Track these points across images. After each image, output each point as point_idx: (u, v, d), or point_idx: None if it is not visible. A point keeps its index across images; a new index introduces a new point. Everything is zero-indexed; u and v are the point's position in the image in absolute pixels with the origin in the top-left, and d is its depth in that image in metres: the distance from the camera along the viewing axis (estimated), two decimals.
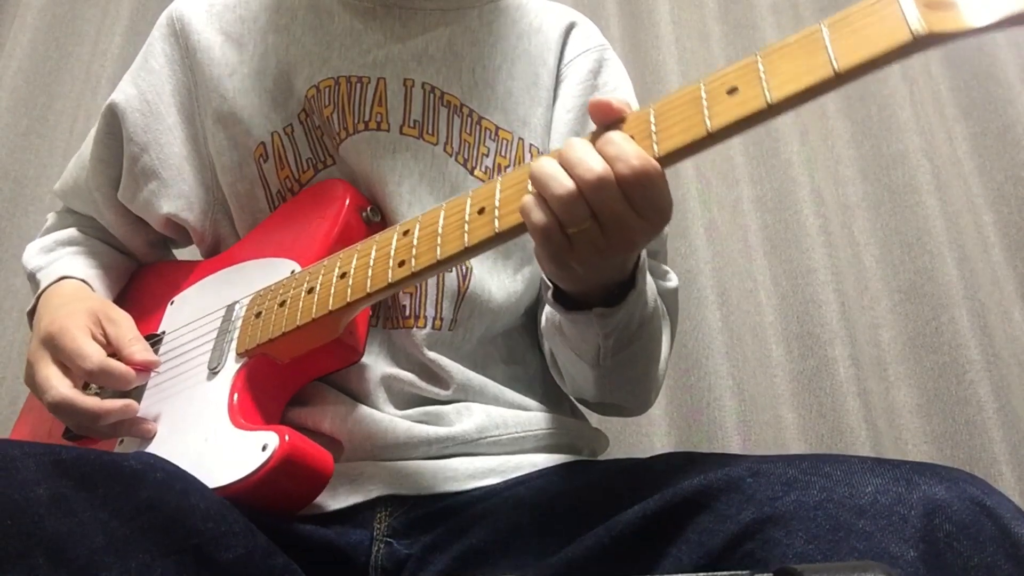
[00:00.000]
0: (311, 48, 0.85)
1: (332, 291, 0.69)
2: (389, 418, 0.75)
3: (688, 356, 1.34)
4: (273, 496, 0.65)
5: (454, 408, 0.78)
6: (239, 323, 0.76)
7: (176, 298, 0.87)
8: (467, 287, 0.80)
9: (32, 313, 0.87)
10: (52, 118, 1.52)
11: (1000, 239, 1.41)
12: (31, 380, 0.78)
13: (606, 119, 0.60)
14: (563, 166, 0.58)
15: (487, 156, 0.84)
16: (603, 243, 0.58)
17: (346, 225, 0.78)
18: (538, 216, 0.58)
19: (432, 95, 0.83)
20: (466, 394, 0.79)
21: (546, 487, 0.74)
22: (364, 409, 0.76)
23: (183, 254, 1.03)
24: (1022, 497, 1.22)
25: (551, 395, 0.87)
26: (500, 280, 0.83)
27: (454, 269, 0.80)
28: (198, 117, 0.87)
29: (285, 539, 0.64)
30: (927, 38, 0.47)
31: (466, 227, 0.62)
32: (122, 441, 0.75)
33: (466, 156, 0.83)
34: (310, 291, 0.71)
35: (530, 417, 0.81)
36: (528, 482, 0.75)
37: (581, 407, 0.91)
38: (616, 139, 0.57)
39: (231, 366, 0.73)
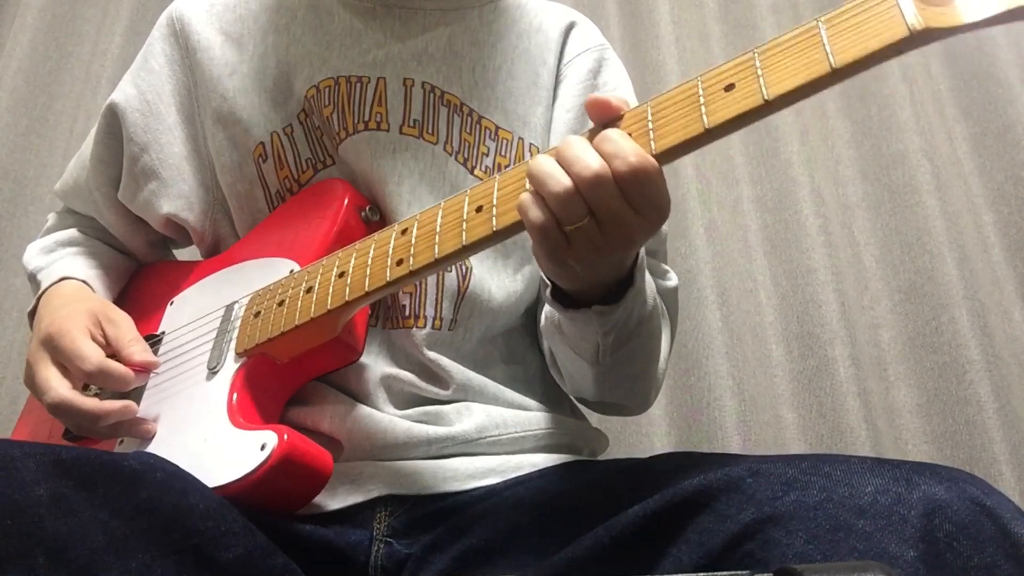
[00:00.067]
0: (311, 48, 0.85)
1: (331, 290, 0.69)
2: (389, 418, 0.75)
3: (688, 356, 1.34)
4: (272, 495, 0.65)
5: (454, 408, 0.78)
6: (238, 323, 0.76)
7: (176, 298, 0.87)
8: (467, 287, 0.80)
9: (32, 314, 0.87)
10: (52, 118, 1.52)
11: (1000, 239, 1.41)
12: (31, 381, 0.78)
13: (603, 117, 0.60)
14: (560, 164, 0.58)
15: (487, 155, 0.84)
16: (601, 241, 0.58)
17: (345, 224, 0.78)
18: (535, 214, 0.58)
19: (432, 94, 0.83)
20: (466, 394, 0.79)
21: (546, 487, 0.74)
22: (364, 409, 0.76)
23: (183, 254, 1.03)
24: (1022, 497, 1.22)
25: (551, 395, 0.87)
26: (500, 280, 0.83)
27: (454, 269, 0.80)
28: (198, 117, 0.87)
29: (285, 539, 0.64)
30: (924, 34, 0.47)
31: (464, 225, 0.62)
32: (122, 441, 0.75)
33: (466, 155, 0.83)
34: (309, 290, 0.71)
35: (530, 417, 0.81)
36: (528, 482, 0.75)
37: (581, 407, 0.91)
38: (613, 136, 0.57)
39: (230, 366, 0.73)
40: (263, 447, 0.64)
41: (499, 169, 0.83)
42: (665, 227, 0.81)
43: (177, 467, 0.61)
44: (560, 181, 0.57)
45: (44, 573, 0.49)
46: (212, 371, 0.74)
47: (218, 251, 0.90)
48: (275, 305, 0.73)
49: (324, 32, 0.85)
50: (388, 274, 0.66)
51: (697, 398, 1.31)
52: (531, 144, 0.85)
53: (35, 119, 1.51)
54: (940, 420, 1.30)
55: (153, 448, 0.72)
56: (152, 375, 0.78)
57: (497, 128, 0.84)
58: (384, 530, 0.72)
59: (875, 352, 1.36)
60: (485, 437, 0.77)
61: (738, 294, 1.38)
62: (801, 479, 0.55)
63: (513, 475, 0.76)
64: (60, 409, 0.73)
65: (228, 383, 0.72)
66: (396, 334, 0.79)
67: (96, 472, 0.55)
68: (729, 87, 0.53)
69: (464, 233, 0.62)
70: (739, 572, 0.47)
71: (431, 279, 0.79)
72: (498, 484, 0.75)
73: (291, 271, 0.76)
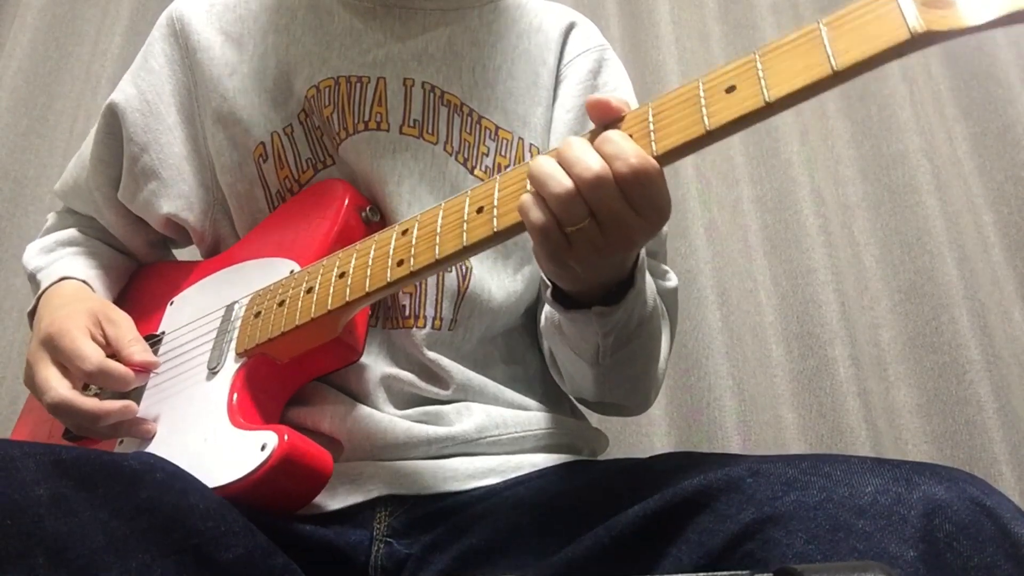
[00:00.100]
0: (311, 48, 0.85)
1: (331, 291, 0.69)
2: (389, 418, 0.75)
3: (688, 356, 1.34)
4: (272, 496, 0.65)
5: (454, 408, 0.78)
6: (238, 323, 0.76)
7: (176, 298, 0.87)
8: (467, 287, 0.80)
9: (32, 313, 0.87)
10: (52, 118, 1.52)
11: (1000, 239, 1.41)
12: (31, 381, 0.78)
13: (604, 118, 0.60)
14: (561, 165, 0.58)
15: (487, 156, 0.84)
16: (602, 242, 0.59)
17: (345, 225, 0.78)
18: (536, 215, 0.58)
19: (432, 94, 0.83)
20: (466, 394, 0.79)
21: (546, 487, 0.74)
22: (364, 409, 0.76)
23: (183, 254, 1.03)
24: (1022, 497, 1.22)
25: (551, 395, 0.87)
26: (500, 280, 0.83)
27: (454, 269, 0.80)
28: (198, 117, 0.87)
29: (285, 539, 0.64)
30: (925, 36, 0.47)
31: (464, 226, 0.62)
32: (122, 441, 0.75)
33: (466, 155, 0.83)
34: (309, 291, 0.71)
35: (530, 417, 0.81)
36: (528, 482, 0.75)
37: (581, 407, 0.91)
38: (614, 138, 0.57)
39: (230, 366, 0.73)
40: (263, 447, 0.64)
41: (499, 169, 0.83)
42: (665, 228, 0.81)
43: (177, 467, 0.61)
44: (561, 182, 0.57)
45: (44, 573, 0.49)
46: (212, 371, 0.74)
47: (218, 251, 0.90)
48: (275, 305, 0.73)
49: (324, 32, 0.85)
50: (389, 275, 0.66)
51: (697, 398, 1.31)
52: (531, 144, 0.85)
53: (35, 119, 1.51)
54: (940, 420, 1.30)
55: (153, 448, 0.72)
56: (152, 375, 0.78)
57: (497, 128, 0.84)
58: (384, 530, 0.72)
59: (875, 352, 1.36)
60: (485, 437, 0.77)
61: (738, 294, 1.38)
62: (801, 479, 0.55)
63: (513, 475, 0.76)
64: (60, 409, 0.73)
65: (228, 383, 0.72)
66: (396, 334, 0.79)
67: (96, 472, 0.55)
68: (730, 89, 0.53)
69: (465, 234, 0.62)
70: (739, 572, 0.47)
71: (431, 279, 0.79)
72: (498, 484, 0.75)
73: (291, 271, 0.76)
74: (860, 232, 1.44)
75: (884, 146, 1.46)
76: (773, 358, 1.34)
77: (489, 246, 0.62)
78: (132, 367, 0.75)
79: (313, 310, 0.70)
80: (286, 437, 0.65)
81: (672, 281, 0.88)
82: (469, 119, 0.84)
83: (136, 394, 0.77)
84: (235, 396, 0.71)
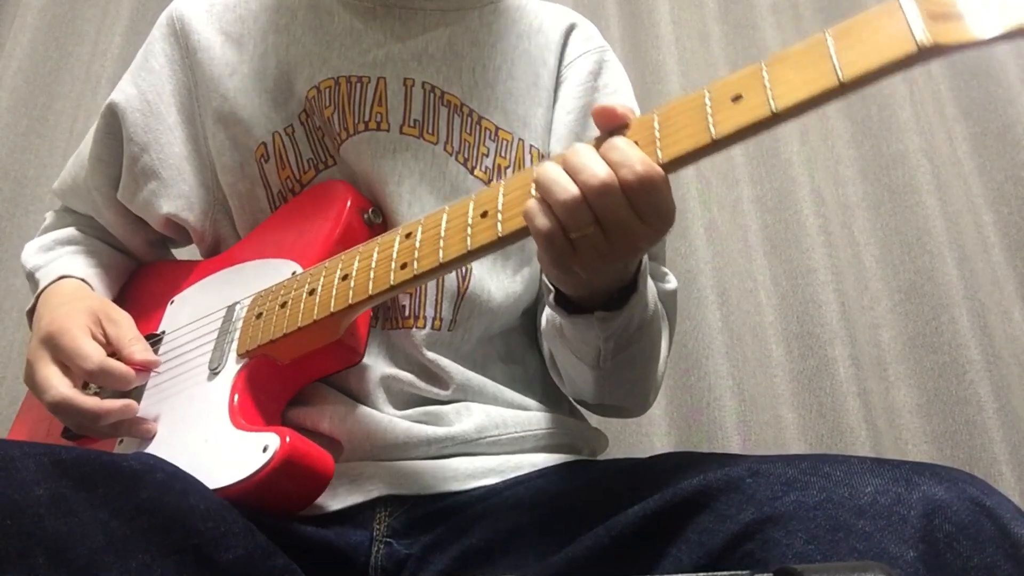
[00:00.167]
0: (311, 48, 0.85)
1: (333, 293, 0.69)
2: (388, 418, 0.75)
3: (688, 356, 1.34)
4: (273, 497, 0.65)
5: (454, 408, 0.78)
6: (240, 324, 0.76)
7: (176, 298, 0.87)
8: (467, 287, 0.80)
9: (32, 312, 0.87)
10: (52, 118, 1.52)
11: (1000, 239, 1.41)
12: (31, 380, 0.78)
13: (610, 125, 0.60)
14: (567, 171, 0.58)
15: (487, 156, 0.84)
16: (606, 248, 0.59)
17: (348, 227, 0.78)
18: (542, 221, 0.58)
19: (432, 95, 0.83)
20: (465, 394, 0.79)
21: (546, 487, 0.74)
22: (363, 409, 0.76)
23: (183, 254, 1.03)
24: (1022, 497, 1.22)
25: (550, 395, 0.87)
26: (499, 280, 0.83)
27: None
28: (198, 117, 0.87)
29: (285, 539, 0.64)
30: (932, 49, 0.47)
31: (469, 230, 0.62)
32: (122, 441, 0.75)
33: (466, 156, 0.83)
34: (311, 292, 0.71)
35: (530, 417, 0.81)
36: (528, 482, 0.75)
37: (580, 408, 0.91)
38: (620, 145, 0.57)
39: (232, 367, 0.73)
40: (265, 449, 0.64)
41: (499, 170, 0.83)
42: None
43: (177, 468, 0.61)
44: (567, 189, 0.57)
45: (44, 573, 0.49)
46: (213, 372, 0.74)
47: (218, 251, 0.89)
48: (277, 307, 0.73)
49: (324, 32, 0.85)
50: (392, 277, 0.66)
51: (697, 398, 1.31)
52: (531, 145, 0.85)
53: (35, 119, 1.51)
54: (940, 420, 1.30)
55: (153, 448, 0.72)
56: (152, 375, 0.78)
57: (497, 129, 0.84)
58: (384, 530, 0.72)
59: (875, 352, 1.36)
60: (485, 437, 0.77)
61: (738, 294, 1.38)
62: (801, 479, 0.55)
63: (513, 475, 0.76)
64: (60, 408, 0.73)
65: (230, 384, 0.72)
66: (396, 334, 0.79)
67: (96, 472, 0.55)
68: (736, 98, 0.54)
69: (469, 238, 0.62)
70: (739, 572, 0.47)
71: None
72: (498, 484, 0.75)
73: (293, 272, 0.76)
74: (860, 232, 1.44)
75: (884, 146, 1.46)
76: (773, 358, 1.34)
77: (493, 251, 0.62)
78: (133, 366, 0.75)
79: (315, 312, 0.70)
80: (288, 439, 0.65)
81: (671, 283, 0.88)
82: (469, 119, 0.84)
83: (136, 394, 0.77)
84: (236, 397, 0.71)
